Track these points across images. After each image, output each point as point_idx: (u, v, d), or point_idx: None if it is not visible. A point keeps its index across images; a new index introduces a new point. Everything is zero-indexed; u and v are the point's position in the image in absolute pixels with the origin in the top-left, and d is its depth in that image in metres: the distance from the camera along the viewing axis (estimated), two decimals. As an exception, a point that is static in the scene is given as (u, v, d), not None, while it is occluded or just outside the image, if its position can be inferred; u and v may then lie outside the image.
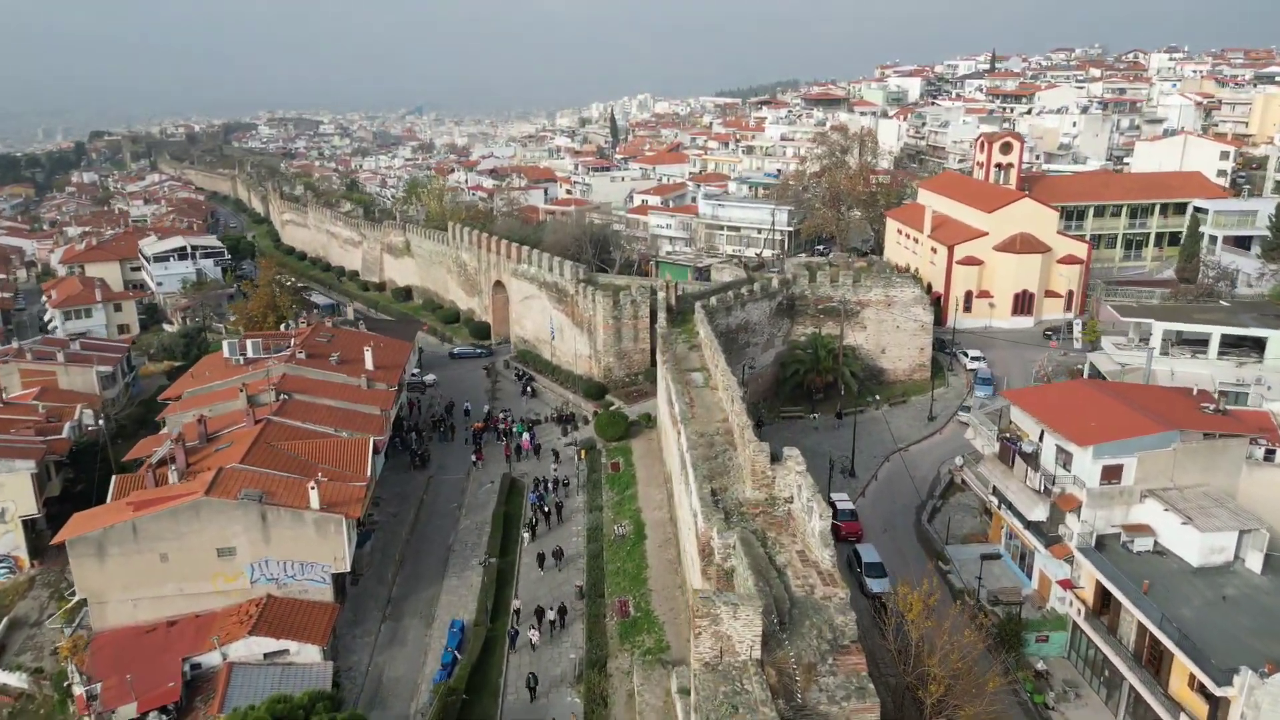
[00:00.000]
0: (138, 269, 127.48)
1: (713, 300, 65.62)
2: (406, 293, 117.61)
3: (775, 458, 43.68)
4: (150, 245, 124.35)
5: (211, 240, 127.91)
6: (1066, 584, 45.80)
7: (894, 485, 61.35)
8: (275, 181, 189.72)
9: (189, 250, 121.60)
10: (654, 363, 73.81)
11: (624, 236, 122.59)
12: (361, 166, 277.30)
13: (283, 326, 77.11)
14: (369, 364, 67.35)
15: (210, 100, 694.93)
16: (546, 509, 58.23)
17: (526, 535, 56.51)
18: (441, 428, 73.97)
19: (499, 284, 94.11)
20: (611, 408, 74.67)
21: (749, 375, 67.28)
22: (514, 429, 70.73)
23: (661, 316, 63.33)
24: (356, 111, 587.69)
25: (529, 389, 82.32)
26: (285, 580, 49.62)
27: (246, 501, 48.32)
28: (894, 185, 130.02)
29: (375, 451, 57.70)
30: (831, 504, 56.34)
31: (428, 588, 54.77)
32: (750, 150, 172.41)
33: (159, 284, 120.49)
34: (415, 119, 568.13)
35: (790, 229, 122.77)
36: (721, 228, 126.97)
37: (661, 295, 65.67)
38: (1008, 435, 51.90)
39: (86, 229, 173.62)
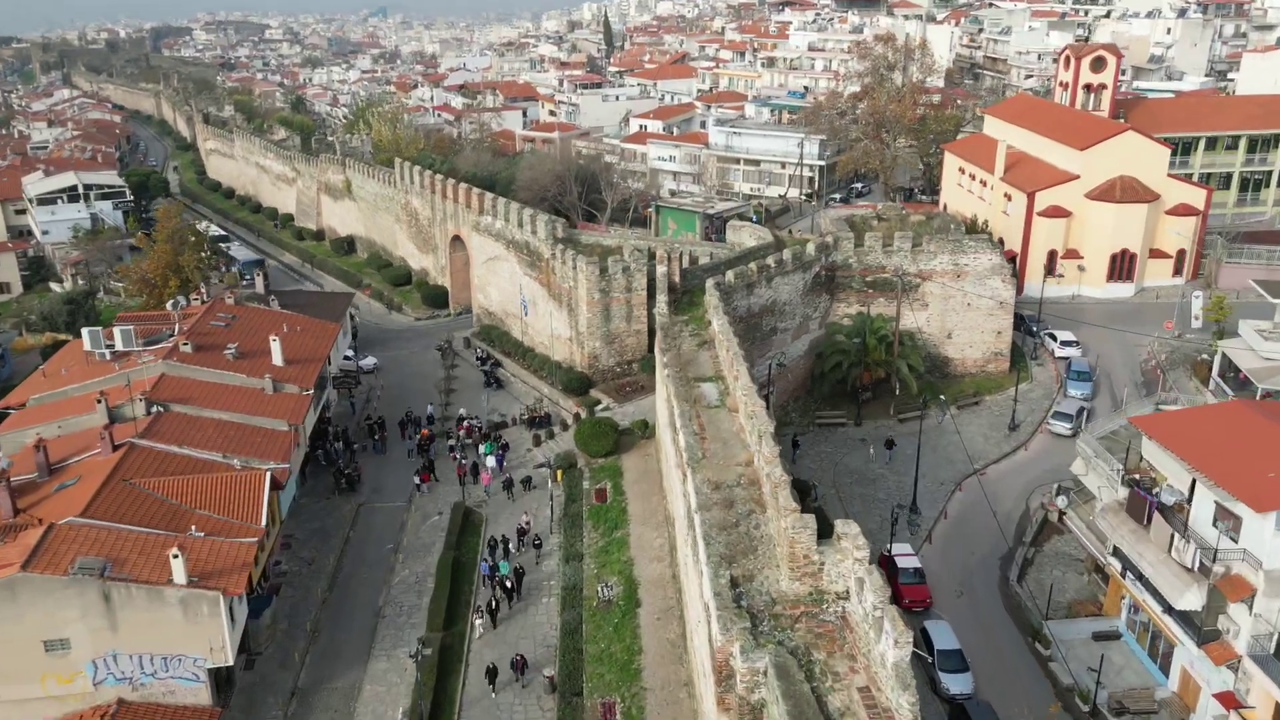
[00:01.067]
0: (23, 211, 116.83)
1: (729, 275, 55.47)
2: (349, 244, 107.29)
3: (823, 530, 34.08)
4: (35, 183, 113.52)
5: (110, 177, 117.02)
6: (1230, 701, 36.55)
7: (970, 525, 52.09)
8: (200, 100, 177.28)
9: (81, 190, 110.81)
10: (652, 348, 64.30)
11: (617, 172, 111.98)
12: (310, 80, 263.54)
13: (169, 305, 66.94)
14: (277, 358, 57.44)
15: (141, 1, 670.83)
16: (509, 584, 48.43)
17: (480, 624, 46.73)
18: (377, 435, 64.33)
19: (457, 239, 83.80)
20: (597, 407, 65.18)
21: (776, 372, 57.53)
22: (481, 448, 60.86)
23: (661, 301, 53.21)
24: (311, 14, 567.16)
25: (493, 379, 72.57)
26: (143, 680, 40.46)
27: (82, 577, 38.86)
28: (946, 106, 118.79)
29: (276, 486, 48.15)
30: (890, 559, 47.15)
31: (347, 673, 45.69)
32: (771, 63, 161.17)
33: (45, 232, 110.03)
34: (378, 22, 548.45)
35: (822, 163, 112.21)
36: (737, 161, 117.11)
37: (662, 270, 55.37)
38: (1137, 478, 42.20)
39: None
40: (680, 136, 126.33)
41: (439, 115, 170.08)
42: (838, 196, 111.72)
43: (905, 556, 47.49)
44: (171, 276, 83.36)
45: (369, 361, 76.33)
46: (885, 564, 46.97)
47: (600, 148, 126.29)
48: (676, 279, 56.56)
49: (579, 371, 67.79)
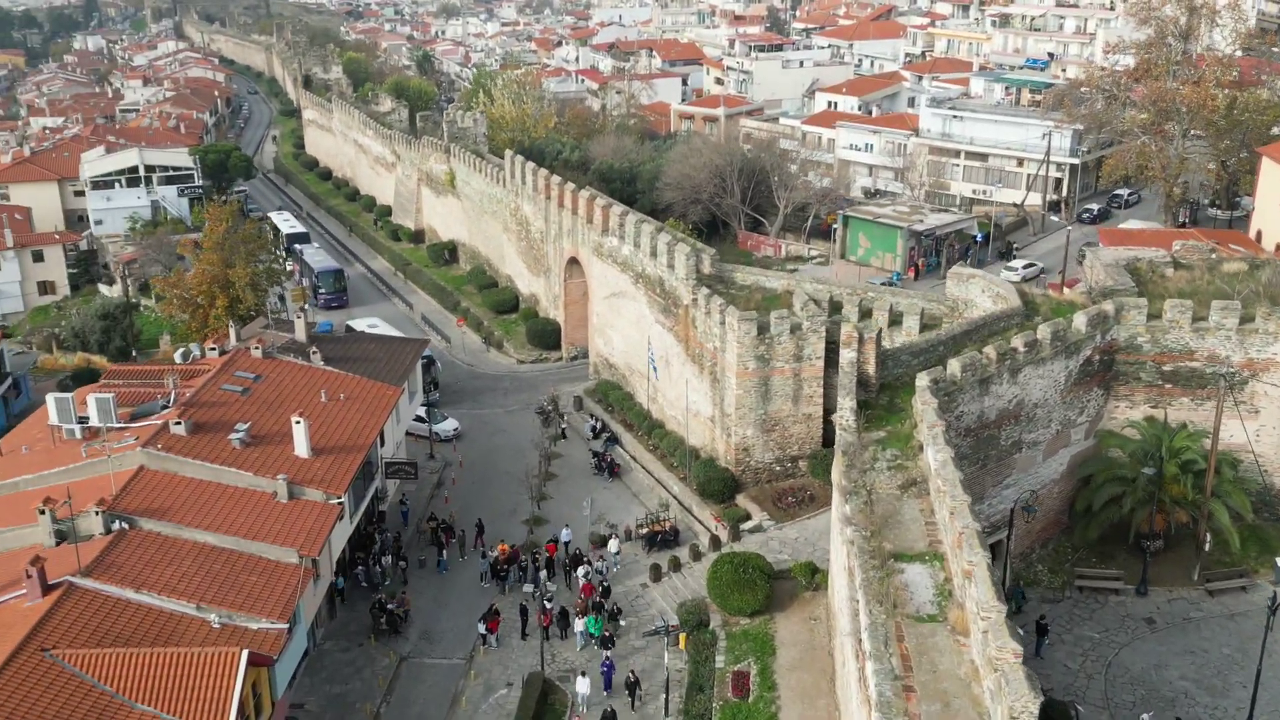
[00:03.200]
0: (83, 193, 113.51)
1: (953, 366, 41.87)
2: (450, 252, 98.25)
3: None
4: (92, 161, 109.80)
5: (178, 156, 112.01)
6: None
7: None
8: (308, 58, 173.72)
9: (142, 171, 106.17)
10: (828, 440, 51.83)
11: (795, 161, 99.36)
12: (443, 34, 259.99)
13: (176, 355, 57.89)
14: (301, 447, 47.39)
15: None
16: None
17: None
18: (443, 545, 53.96)
19: (575, 262, 72.85)
20: (745, 525, 53.22)
21: (1022, 516, 43.74)
22: (579, 625, 48.60)
23: (845, 406, 39.90)
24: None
25: (606, 463, 61.17)
26: None
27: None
28: (1251, 84, 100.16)
29: (258, 664, 37.91)
30: None
31: None
32: (1004, 21, 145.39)
33: (98, 222, 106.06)
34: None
35: (1075, 161, 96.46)
36: (957, 154, 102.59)
37: (849, 356, 42.18)
38: None
39: (63, 120, 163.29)
40: (881, 119, 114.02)
41: (581, 81, 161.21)
42: (1095, 208, 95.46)
43: None
44: (219, 293, 75.47)
45: (449, 425, 66.17)
46: None
47: (775, 131, 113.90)
48: (871, 369, 43.29)
49: (722, 467, 55.79)
